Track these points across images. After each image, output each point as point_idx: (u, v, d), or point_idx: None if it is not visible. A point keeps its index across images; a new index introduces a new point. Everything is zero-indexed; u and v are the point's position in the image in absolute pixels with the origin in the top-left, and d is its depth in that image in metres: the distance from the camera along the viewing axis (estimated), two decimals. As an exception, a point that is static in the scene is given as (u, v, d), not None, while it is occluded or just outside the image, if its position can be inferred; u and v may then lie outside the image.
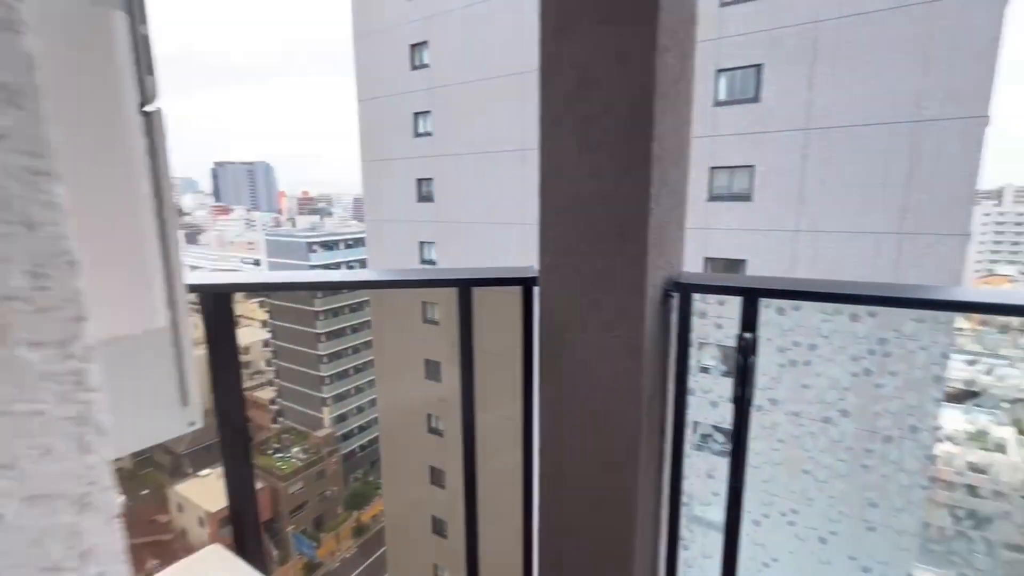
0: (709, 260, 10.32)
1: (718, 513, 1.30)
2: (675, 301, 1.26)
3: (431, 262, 15.02)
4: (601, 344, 1.19)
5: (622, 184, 1.08)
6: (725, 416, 1.22)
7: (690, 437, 1.41)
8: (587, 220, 1.14)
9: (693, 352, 1.30)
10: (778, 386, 1.23)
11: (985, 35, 7.76)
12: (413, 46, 14.40)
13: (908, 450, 1.12)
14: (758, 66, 9.45)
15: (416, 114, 14.72)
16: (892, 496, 1.16)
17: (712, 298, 1.28)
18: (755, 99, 9.59)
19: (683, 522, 1.41)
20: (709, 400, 1.31)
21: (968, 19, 7.81)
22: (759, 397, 1.25)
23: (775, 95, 9.41)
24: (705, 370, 1.35)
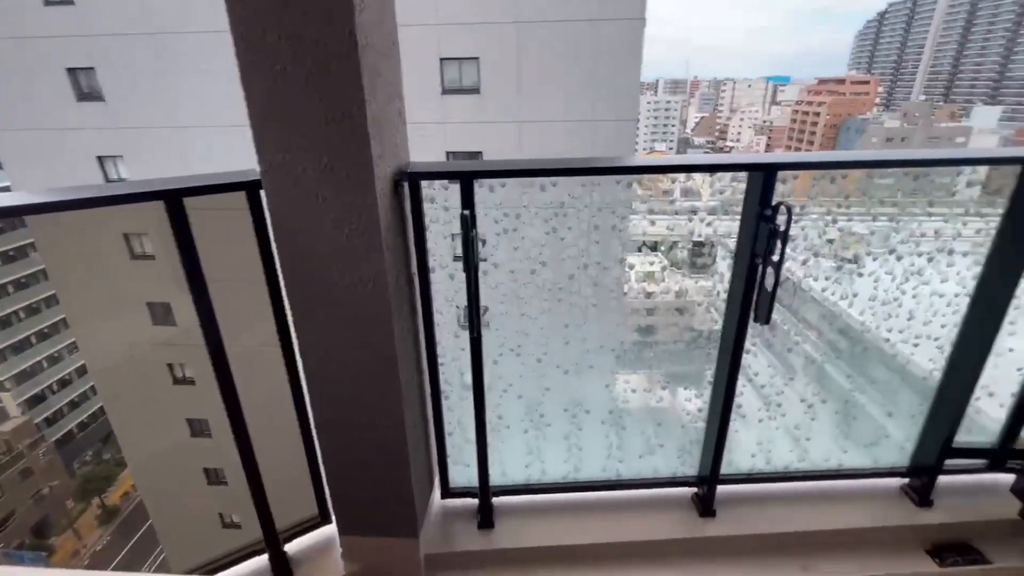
0: (450, 153, 10.80)
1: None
2: (405, 190, 1.37)
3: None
4: (339, 241, 1.23)
5: (331, 75, 1.07)
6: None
7: (452, 311, 1.63)
8: (300, 114, 1.11)
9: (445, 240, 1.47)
10: (497, 252, 1.50)
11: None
12: None
13: (583, 281, 1.55)
14: (470, -49, 9.47)
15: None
16: (576, 316, 1.62)
17: (439, 184, 1.44)
18: (472, -13, 9.73)
19: (442, 378, 1.68)
20: (448, 274, 1.52)
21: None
22: (484, 264, 1.51)
23: (489, -15, 9.71)
24: (458, 257, 1.50)
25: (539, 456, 1.88)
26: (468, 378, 1.59)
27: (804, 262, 1.57)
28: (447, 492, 1.89)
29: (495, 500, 1.86)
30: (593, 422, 1.83)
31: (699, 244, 1.78)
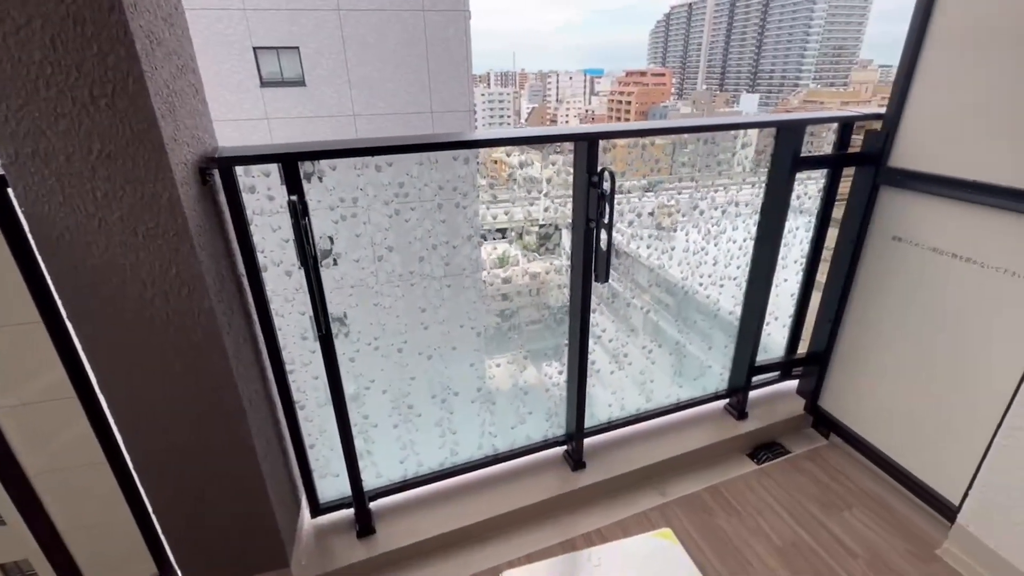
0: (279, 152, 9.82)
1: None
2: (217, 180, 1.20)
3: None
4: (133, 246, 1.03)
5: (88, 37, 0.87)
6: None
7: (294, 312, 1.47)
8: (51, 87, 0.88)
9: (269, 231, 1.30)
10: (338, 242, 1.40)
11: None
12: None
13: (434, 262, 1.53)
14: (272, -73, 8.63)
15: None
16: (432, 299, 1.59)
17: (257, 170, 1.28)
18: (280, -32, 8.89)
19: (294, 386, 1.52)
20: (284, 271, 1.37)
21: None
22: (327, 256, 1.40)
23: (299, -34, 8.97)
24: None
25: (413, 449, 1.82)
26: (324, 382, 1.47)
27: (630, 223, 1.75)
28: (317, 509, 1.74)
29: (372, 505, 1.77)
30: (463, 403, 1.83)
31: (544, 226, 1.87)
